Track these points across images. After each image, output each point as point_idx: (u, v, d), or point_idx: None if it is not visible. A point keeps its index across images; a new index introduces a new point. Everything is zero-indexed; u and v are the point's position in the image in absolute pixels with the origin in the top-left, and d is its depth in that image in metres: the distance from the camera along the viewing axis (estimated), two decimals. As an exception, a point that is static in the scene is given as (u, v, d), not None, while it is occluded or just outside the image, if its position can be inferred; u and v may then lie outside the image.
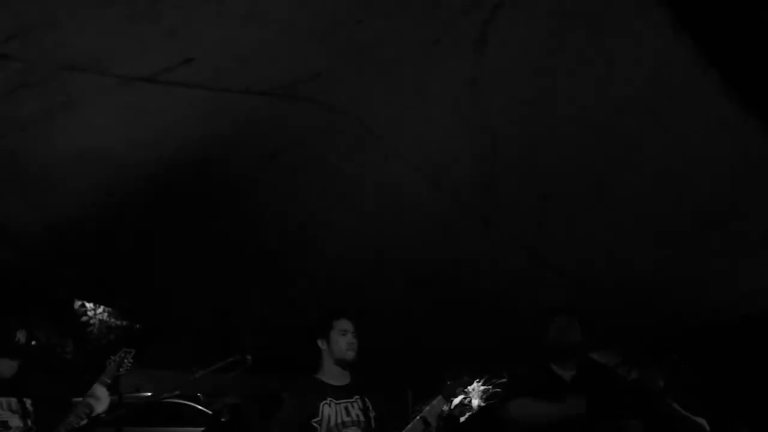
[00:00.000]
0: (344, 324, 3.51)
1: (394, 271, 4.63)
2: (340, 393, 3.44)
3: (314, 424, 3.33)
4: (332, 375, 3.47)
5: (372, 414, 3.48)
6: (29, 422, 3.57)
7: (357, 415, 3.43)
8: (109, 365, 3.76)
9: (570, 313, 3.79)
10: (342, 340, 3.46)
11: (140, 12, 2.57)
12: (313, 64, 3.06)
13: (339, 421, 3.38)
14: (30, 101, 2.89)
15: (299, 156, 3.68)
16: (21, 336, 3.55)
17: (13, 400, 3.58)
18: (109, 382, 3.73)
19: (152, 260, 4.59)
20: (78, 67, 2.75)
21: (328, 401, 3.40)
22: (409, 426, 3.50)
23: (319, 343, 3.50)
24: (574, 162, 3.71)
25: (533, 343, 3.86)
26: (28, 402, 3.63)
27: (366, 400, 3.50)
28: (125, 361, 3.76)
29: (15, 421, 3.52)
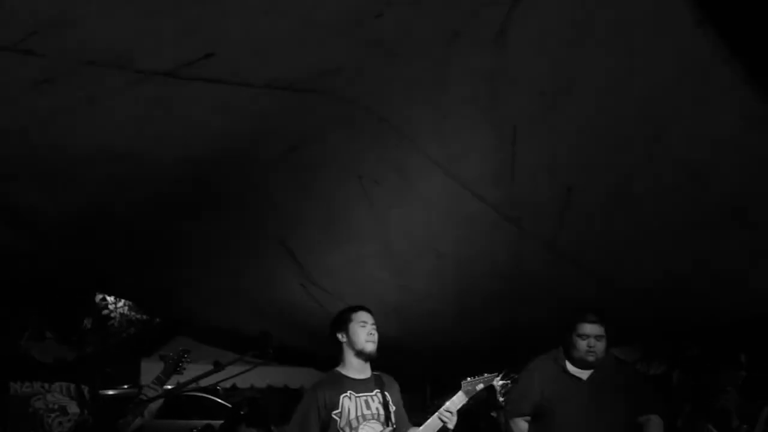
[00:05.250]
0: (363, 316, 3.51)
1: (413, 264, 4.63)
2: (360, 386, 3.45)
3: (334, 417, 3.35)
4: (353, 368, 3.48)
5: (392, 408, 3.49)
6: (86, 410, 3.59)
7: (377, 409, 3.44)
8: (166, 363, 3.82)
9: (600, 320, 3.71)
10: (362, 332, 3.47)
11: (161, 7, 2.58)
12: (334, 58, 3.06)
13: (359, 414, 3.39)
14: (52, 96, 2.91)
15: (319, 149, 3.69)
16: (88, 323, 3.59)
17: (72, 386, 3.59)
18: (165, 379, 3.79)
19: (171, 253, 4.62)
20: (99, 62, 2.77)
21: (348, 394, 3.41)
22: (428, 421, 3.49)
23: (339, 336, 3.51)
24: (594, 156, 3.68)
25: (554, 340, 3.83)
26: (86, 389, 3.65)
27: (386, 394, 3.51)
28: (182, 361, 3.82)
29: (73, 408, 3.54)
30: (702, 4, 2.88)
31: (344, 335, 3.52)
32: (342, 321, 3.53)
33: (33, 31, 2.52)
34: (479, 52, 3.14)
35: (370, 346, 3.48)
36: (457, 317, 5.14)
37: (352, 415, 3.39)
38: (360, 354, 3.48)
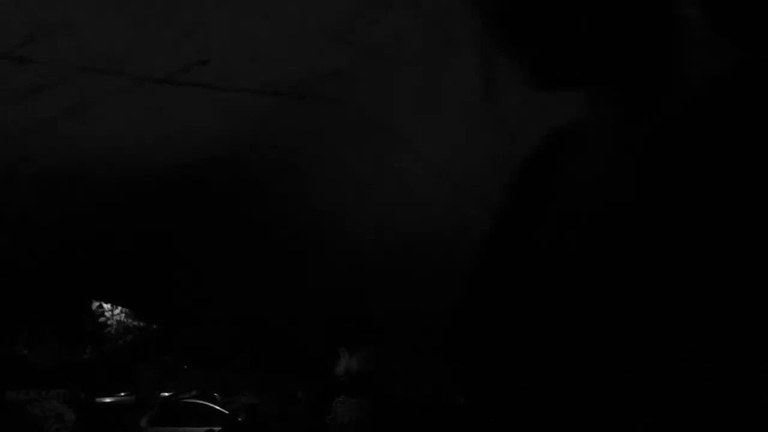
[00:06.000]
0: (369, 351, 3.53)
1: (411, 268, 4.62)
2: (353, 391, 3.46)
3: (328, 422, 3.35)
4: (347, 375, 3.49)
5: (385, 412, 3.50)
6: (83, 416, 3.55)
7: (369, 413, 3.45)
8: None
9: None
10: (364, 364, 3.49)
11: (156, 13, 2.57)
12: (329, 63, 3.05)
13: (352, 417, 3.39)
14: (49, 102, 2.91)
15: (316, 154, 3.69)
16: (88, 323, 3.54)
17: (69, 393, 3.55)
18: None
19: (170, 257, 4.61)
20: (95, 68, 2.77)
21: (341, 398, 3.42)
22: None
23: (341, 351, 3.53)
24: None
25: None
26: (82, 396, 3.61)
27: (380, 398, 3.51)
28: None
29: (69, 414, 3.50)
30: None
31: (345, 353, 3.54)
32: (350, 342, 3.56)
33: (30, 38, 2.52)
34: (476, 56, 3.14)
35: (369, 370, 3.50)
36: (455, 320, 5.14)
37: (346, 420, 3.39)
38: (357, 375, 3.50)
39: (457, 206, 4.04)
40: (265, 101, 3.21)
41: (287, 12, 2.73)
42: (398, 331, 4.42)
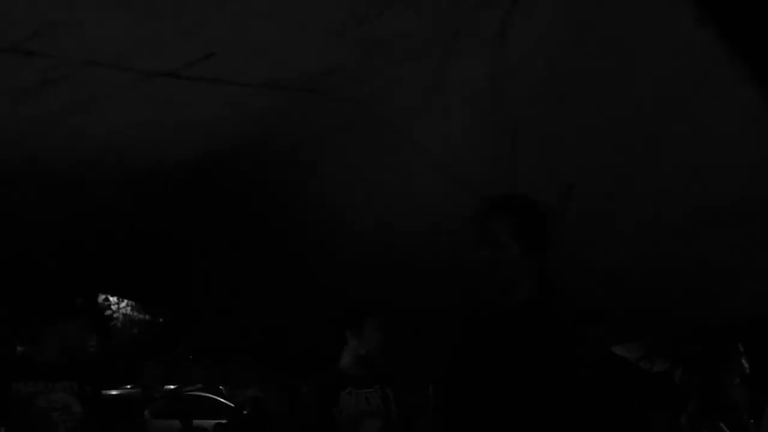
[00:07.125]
0: (377, 322, 3.51)
1: (415, 267, 4.63)
2: (360, 382, 3.45)
3: (335, 414, 3.36)
4: (353, 366, 3.49)
5: (392, 404, 3.50)
6: (90, 408, 3.59)
7: (377, 405, 3.45)
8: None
9: (599, 321, 3.72)
10: (374, 337, 3.47)
11: (162, 7, 2.58)
12: (334, 58, 3.06)
13: (359, 410, 3.40)
14: (52, 98, 2.92)
15: (319, 151, 3.69)
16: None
17: (75, 384, 3.60)
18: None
19: (174, 256, 4.63)
20: (99, 63, 2.77)
21: (348, 390, 3.42)
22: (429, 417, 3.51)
23: (348, 333, 3.51)
24: (595, 157, 3.68)
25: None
26: (89, 388, 3.66)
27: (387, 390, 3.52)
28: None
29: (76, 406, 3.55)
30: (703, 3, 2.88)
31: (355, 335, 3.52)
32: (356, 320, 3.53)
33: (33, 32, 2.53)
34: (479, 52, 3.14)
35: (377, 353, 3.49)
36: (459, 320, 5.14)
37: (353, 411, 3.40)
38: (365, 356, 3.49)
39: (458, 201, 4.04)
40: (269, 96, 3.22)
41: (291, 7, 2.73)
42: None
